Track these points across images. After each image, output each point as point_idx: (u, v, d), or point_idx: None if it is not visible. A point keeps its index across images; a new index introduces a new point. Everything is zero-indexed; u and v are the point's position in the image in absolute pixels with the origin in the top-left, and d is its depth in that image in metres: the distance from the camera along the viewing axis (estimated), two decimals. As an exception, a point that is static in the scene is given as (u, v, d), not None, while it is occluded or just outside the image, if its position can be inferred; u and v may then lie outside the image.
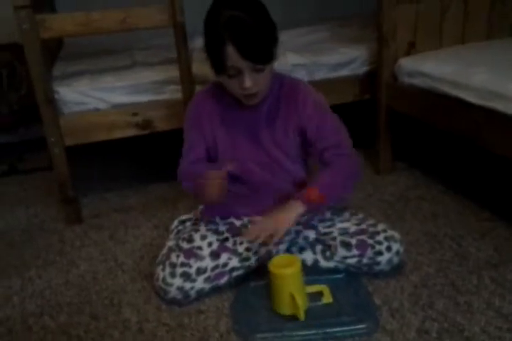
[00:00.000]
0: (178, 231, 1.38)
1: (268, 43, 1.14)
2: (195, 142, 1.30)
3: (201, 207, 1.43)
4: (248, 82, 1.13)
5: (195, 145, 1.30)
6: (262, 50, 1.12)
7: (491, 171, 1.82)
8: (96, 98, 1.60)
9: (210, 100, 1.29)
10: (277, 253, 1.26)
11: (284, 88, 1.27)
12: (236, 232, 1.30)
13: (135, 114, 1.62)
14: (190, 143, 1.31)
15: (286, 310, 1.13)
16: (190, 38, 1.60)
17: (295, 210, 1.17)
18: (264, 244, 1.18)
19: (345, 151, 1.26)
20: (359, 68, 1.85)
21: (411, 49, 1.75)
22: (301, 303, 1.10)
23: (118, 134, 1.63)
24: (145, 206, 1.76)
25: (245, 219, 1.31)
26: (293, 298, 1.10)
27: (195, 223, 1.36)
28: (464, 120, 1.45)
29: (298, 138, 1.27)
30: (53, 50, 2.04)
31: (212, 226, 1.30)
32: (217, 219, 1.32)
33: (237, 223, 1.31)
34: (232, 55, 1.10)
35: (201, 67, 1.66)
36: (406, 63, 1.69)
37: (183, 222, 1.42)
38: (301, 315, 1.10)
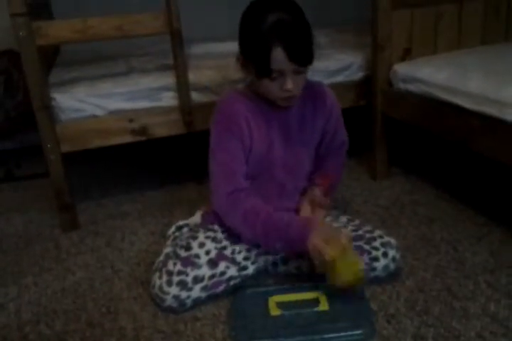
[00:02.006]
0: (175, 238, 1.37)
1: (311, 45, 1.16)
2: (239, 158, 1.23)
3: (200, 212, 1.43)
4: (291, 85, 1.15)
5: (238, 164, 1.23)
6: (307, 52, 1.15)
7: (487, 176, 1.82)
8: (93, 104, 1.60)
9: (243, 105, 1.24)
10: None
11: (311, 91, 1.30)
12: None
13: (131, 121, 1.62)
14: (232, 159, 1.22)
15: (349, 276, 1.11)
16: (186, 44, 1.60)
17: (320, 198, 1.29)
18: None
19: (346, 148, 1.44)
20: (355, 74, 1.85)
21: (406, 55, 1.76)
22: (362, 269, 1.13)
23: (114, 141, 1.63)
24: (141, 212, 1.75)
25: None
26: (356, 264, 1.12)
27: (193, 229, 1.36)
28: (459, 125, 1.46)
29: (319, 139, 1.35)
30: (50, 56, 2.05)
31: (211, 234, 1.29)
32: (216, 227, 1.31)
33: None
34: (280, 59, 1.11)
35: (197, 75, 1.68)
36: (401, 69, 1.70)
37: (180, 227, 1.42)
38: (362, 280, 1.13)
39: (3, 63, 2.18)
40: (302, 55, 1.13)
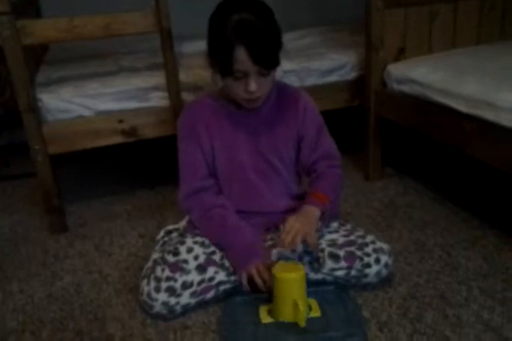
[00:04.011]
0: (164, 243, 1.35)
1: (276, 48, 1.14)
2: (197, 160, 1.28)
3: (187, 217, 1.41)
4: (253, 86, 1.14)
5: (198, 166, 1.28)
6: (271, 54, 1.13)
7: (481, 179, 1.81)
8: (80, 105, 1.57)
9: (206, 110, 1.27)
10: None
11: (283, 94, 1.29)
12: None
13: (121, 121, 1.59)
14: (190, 162, 1.29)
15: (288, 316, 1.11)
16: (176, 41, 1.57)
17: (314, 214, 1.22)
18: (293, 250, 1.17)
19: (337, 163, 1.34)
20: (348, 74, 1.83)
21: (400, 55, 1.73)
22: (304, 310, 1.09)
23: (103, 142, 1.60)
24: (131, 214, 1.73)
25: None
26: (296, 304, 1.09)
27: (182, 234, 1.34)
28: (452, 128, 1.44)
29: (295, 145, 1.31)
30: (38, 53, 2.01)
31: (199, 239, 1.27)
32: (204, 231, 1.30)
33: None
34: (242, 59, 1.10)
35: (188, 74, 1.64)
36: (395, 69, 1.68)
37: (169, 232, 1.40)
38: (303, 322, 1.09)
39: (-10, 60, 2.14)
40: (265, 57, 1.12)
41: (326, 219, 1.26)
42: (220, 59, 1.15)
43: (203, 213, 1.28)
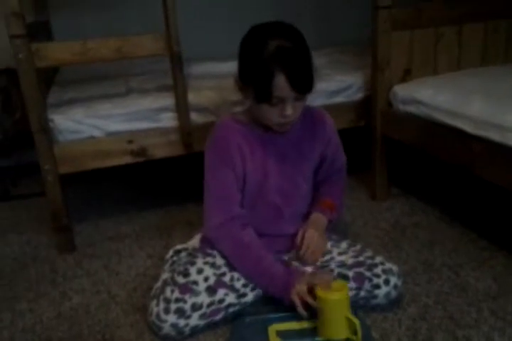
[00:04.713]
0: (173, 262, 1.35)
1: (312, 73, 1.15)
2: (231, 187, 1.24)
3: (198, 236, 1.41)
4: (290, 111, 1.15)
5: (232, 192, 1.24)
6: (309, 80, 1.14)
7: (488, 198, 1.81)
8: (91, 126, 1.59)
9: (236, 134, 1.24)
10: None
11: (310, 117, 1.30)
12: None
13: (130, 142, 1.61)
14: (224, 188, 1.24)
15: (342, 334, 1.12)
16: (186, 63, 1.60)
17: (324, 223, 1.28)
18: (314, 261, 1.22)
19: (345, 172, 1.43)
20: (355, 94, 1.85)
21: (406, 76, 1.75)
22: (358, 324, 1.10)
23: (113, 162, 1.62)
24: (139, 234, 1.73)
25: None
26: (349, 320, 1.10)
27: (192, 254, 1.34)
28: (460, 149, 1.45)
29: (318, 164, 1.35)
30: (49, 74, 2.04)
31: (210, 259, 1.26)
32: (215, 251, 1.29)
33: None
34: (282, 86, 1.11)
35: (197, 95, 1.67)
36: (401, 90, 1.70)
37: (178, 251, 1.40)
38: (359, 336, 1.10)
39: (2, 82, 2.17)
40: (304, 83, 1.13)
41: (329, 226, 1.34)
42: (256, 85, 1.14)
43: (236, 248, 1.23)
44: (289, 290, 1.15)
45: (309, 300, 1.13)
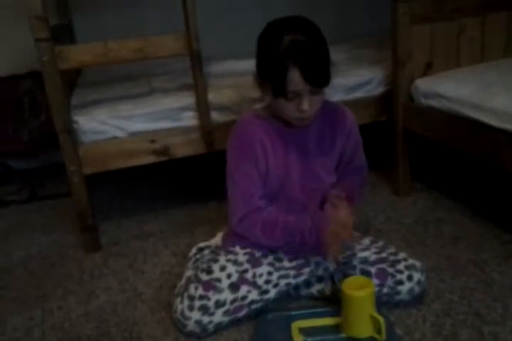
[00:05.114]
0: (196, 260, 1.37)
1: (328, 66, 1.15)
2: (255, 182, 1.23)
3: (220, 234, 1.43)
4: (306, 105, 1.15)
5: (256, 187, 1.24)
6: (324, 73, 1.14)
7: (511, 192, 1.78)
8: (114, 126, 1.62)
9: (258, 129, 1.25)
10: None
11: (329, 110, 1.29)
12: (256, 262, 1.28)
13: (153, 141, 1.63)
14: (248, 184, 1.24)
15: (366, 331, 1.12)
16: (205, 62, 1.61)
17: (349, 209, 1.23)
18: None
19: (364, 172, 1.40)
20: (375, 89, 1.84)
21: (428, 69, 1.73)
22: (383, 323, 1.10)
23: (136, 162, 1.64)
24: (163, 232, 1.76)
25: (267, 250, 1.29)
26: (374, 318, 1.10)
27: (214, 251, 1.36)
28: (483, 142, 1.43)
29: (338, 159, 1.33)
30: (73, 76, 2.08)
31: (232, 257, 1.28)
32: (238, 249, 1.30)
33: (258, 254, 1.28)
34: (296, 80, 1.11)
35: (217, 94, 1.68)
36: (422, 84, 1.68)
37: (201, 249, 1.42)
38: (384, 335, 1.10)
39: (28, 84, 2.22)
40: (318, 76, 1.13)
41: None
42: (272, 80, 1.14)
43: (265, 227, 1.23)
44: (320, 238, 1.17)
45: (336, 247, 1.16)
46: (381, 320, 1.09)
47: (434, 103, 1.63)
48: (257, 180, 1.24)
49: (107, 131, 1.62)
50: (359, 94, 1.83)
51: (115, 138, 1.63)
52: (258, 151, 1.22)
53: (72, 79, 2.04)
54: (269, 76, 1.15)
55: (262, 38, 1.18)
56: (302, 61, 1.10)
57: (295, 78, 1.11)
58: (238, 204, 1.25)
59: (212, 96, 1.65)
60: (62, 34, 1.91)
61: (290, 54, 1.10)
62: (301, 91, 1.13)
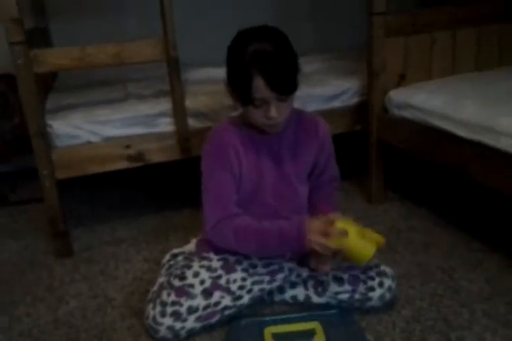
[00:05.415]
0: (170, 266, 1.36)
1: (294, 74, 1.16)
2: (230, 189, 1.24)
3: (194, 240, 1.42)
4: (274, 112, 1.16)
5: (230, 194, 1.24)
6: (288, 81, 1.15)
7: (482, 202, 1.82)
8: (88, 131, 1.61)
9: (233, 136, 1.26)
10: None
11: (302, 120, 1.31)
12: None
13: (128, 147, 1.62)
14: (223, 190, 1.24)
15: (371, 249, 1.13)
16: (182, 68, 1.61)
17: None
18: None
19: (336, 184, 1.43)
20: (350, 99, 1.87)
21: (401, 81, 1.77)
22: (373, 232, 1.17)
23: (110, 167, 1.63)
24: (136, 238, 1.74)
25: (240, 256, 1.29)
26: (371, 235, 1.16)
27: (188, 258, 1.35)
28: (453, 153, 1.46)
29: (311, 168, 1.34)
30: (48, 80, 2.06)
31: (206, 263, 1.27)
32: (212, 255, 1.29)
33: (232, 259, 1.28)
34: (260, 88, 1.13)
35: (193, 101, 1.68)
36: (396, 95, 1.72)
37: (175, 255, 1.42)
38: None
39: (0, 87, 2.19)
40: (283, 84, 1.14)
41: None
42: (239, 88, 1.17)
43: (237, 233, 1.21)
44: (304, 243, 1.14)
45: (331, 244, 1.11)
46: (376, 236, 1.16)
47: (407, 114, 1.66)
48: (232, 186, 1.24)
49: (81, 136, 1.61)
50: (336, 103, 1.86)
51: (89, 142, 1.62)
52: (231, 156, 1.23)
53: (47, 82, 2.02)
54: (236, 84, 1.18)
55: (230, 47, 1.20)
56: (266, 69, 1.12)
57: (260, 86, 1.13)
58: (211, 211, 1.25)
59: (189, 103, 1.66)
60: (38, 38, 1.90)
61: (254, 62, 1.12)
62: (268, 99, 1.15)
